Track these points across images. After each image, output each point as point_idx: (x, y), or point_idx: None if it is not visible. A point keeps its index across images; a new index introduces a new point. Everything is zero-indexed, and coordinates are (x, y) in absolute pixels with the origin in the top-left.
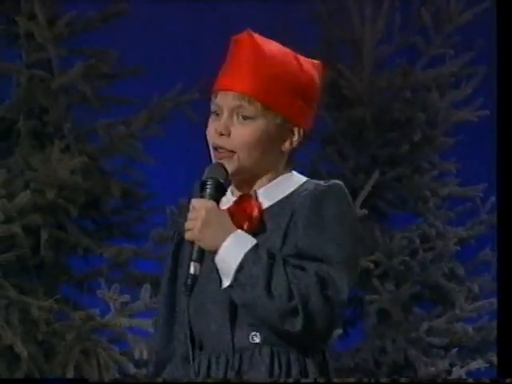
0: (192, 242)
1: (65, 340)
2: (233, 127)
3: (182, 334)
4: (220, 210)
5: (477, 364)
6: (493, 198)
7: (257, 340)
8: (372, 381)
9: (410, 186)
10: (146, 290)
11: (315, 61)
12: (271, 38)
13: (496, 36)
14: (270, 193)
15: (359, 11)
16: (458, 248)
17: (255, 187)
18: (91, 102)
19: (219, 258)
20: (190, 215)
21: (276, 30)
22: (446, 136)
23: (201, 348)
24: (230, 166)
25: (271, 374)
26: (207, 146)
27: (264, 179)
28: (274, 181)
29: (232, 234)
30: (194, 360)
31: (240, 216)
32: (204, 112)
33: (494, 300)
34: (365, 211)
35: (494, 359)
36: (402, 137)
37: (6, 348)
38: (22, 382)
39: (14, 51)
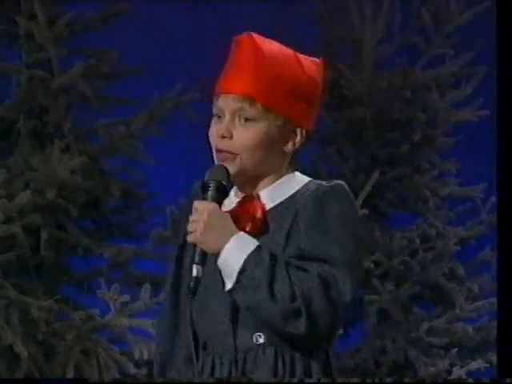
0: (194, 245)
1: (65, 340)
2: (235, 130)
3: (186, 336)
4: (222, 212)
5: (477, 364)
6: (493, 198)
7: (261, 340)
8: (376, 381)
9: (410, 186)
10: (146, 290)
11: (316, 59)
12: (271, 38)
13: (496, 36)
14: (273, 194)
15: (359, 11)
16: (458, 248)
17: (258, 188)
18: (91, 102)
19: (221, 261)
20: (192, 217)
21: (276, 30)
22: (446, 136)
23: (205, 349)
24: (233, 168)
25: (275, 374)
26: (207, 146)
27: (267, 180)
28: (276, 182)
29: (234, 237)
30: (197, 361)
31: (243, 217)
32: (204, 112)
33: (494, 300)
34: (365, 211)
35: (494, 359)
36: (402, 137)
37: (5, 348)
38: (22, 382)
39: (14, 51)
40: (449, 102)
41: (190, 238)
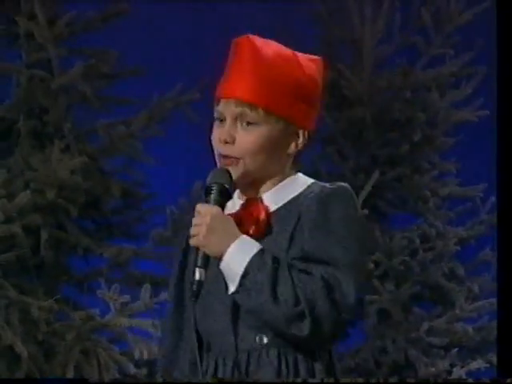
0: (197, 248)
1: (65, 340)
2: (237, 134)
3: (190, 340)
4: (225, 215)
5: (477, 364)
6: (493, 198)
7: (264, 341)
8: (380, 381)
9: (410, 186)
10: (146, 290)
11: (315, 56)
12: (271, 38)
13: (496, 36)
14: (276, 196)
15: (359, 11)
16: (458, 248)
17: (261, 191)
18: (91, 102)
19: (224, 264)
20: (195, 221)
21: (276, 30)
22: (446, 136)
23: (208, 350)
24: (236, 173)
25: (279, 375)
26: (207, 146)
27: (270, 182)
28: (280, 184)
29: (237, 240)
30: (201, 363)
31: (247, 220)
32: (204, 112)
33: (494, 300)
34: (365, 211)
35: (494, 359)
36: (402, 137)
37: (6, 348)
38: (22, 382)
39: (14, 51)
40: (449, 102)
41: (192, 242)
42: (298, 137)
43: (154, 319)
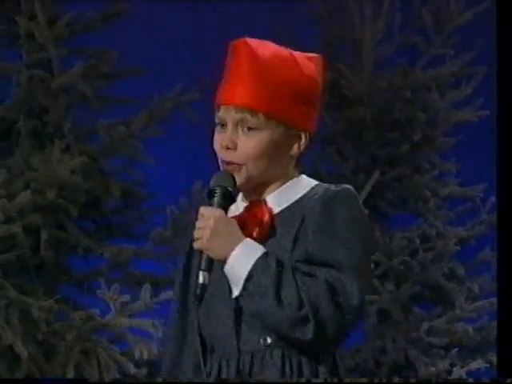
0: (201, 252)
1: (65, 340)
2: (238, 140)
3: (194, 343)
4: (228, 218)
5: (477, 364)
6: (493, 198)
7: (268, 342)
8: (383, 381)
9: (410, 186)
10: (146, 290)
11: (314, 55)
12: (271, 38)
13: (496, 36)
14: (280, 198)
15: (359, 11)
16: (458, 248)
17: (265, 193)
18: (91, 101)
19: (228, 267)
20: (199, 224)
21: (276, 30)
22: (446, 136)
23: (212, 352)
24: (239, 178)
25: (283, 376)
26: (207, 146)
27: (274, 185)
28: (283, 186)
29: (241, 243)
30: (205, 365)
31: (251, 222)
32: (204, 112)
33: (494, 300)
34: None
35: (494, 359)
36: (402, 137)
37: (6, 348)
38: (22, 381)
39: (14, 51)
40: (449, 102)
41: (196, 245)
42: (300, 139)
43: (154, 319)
